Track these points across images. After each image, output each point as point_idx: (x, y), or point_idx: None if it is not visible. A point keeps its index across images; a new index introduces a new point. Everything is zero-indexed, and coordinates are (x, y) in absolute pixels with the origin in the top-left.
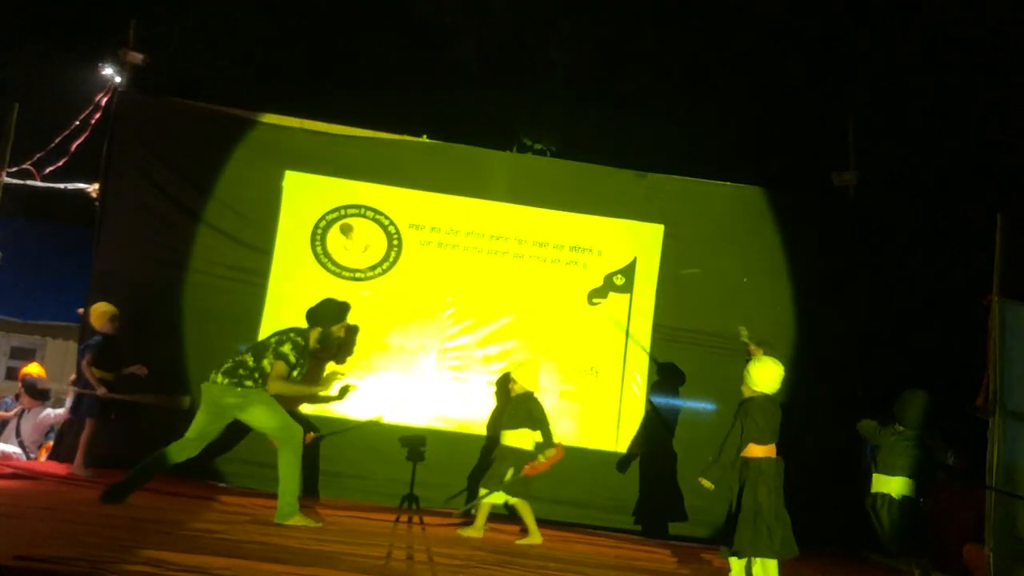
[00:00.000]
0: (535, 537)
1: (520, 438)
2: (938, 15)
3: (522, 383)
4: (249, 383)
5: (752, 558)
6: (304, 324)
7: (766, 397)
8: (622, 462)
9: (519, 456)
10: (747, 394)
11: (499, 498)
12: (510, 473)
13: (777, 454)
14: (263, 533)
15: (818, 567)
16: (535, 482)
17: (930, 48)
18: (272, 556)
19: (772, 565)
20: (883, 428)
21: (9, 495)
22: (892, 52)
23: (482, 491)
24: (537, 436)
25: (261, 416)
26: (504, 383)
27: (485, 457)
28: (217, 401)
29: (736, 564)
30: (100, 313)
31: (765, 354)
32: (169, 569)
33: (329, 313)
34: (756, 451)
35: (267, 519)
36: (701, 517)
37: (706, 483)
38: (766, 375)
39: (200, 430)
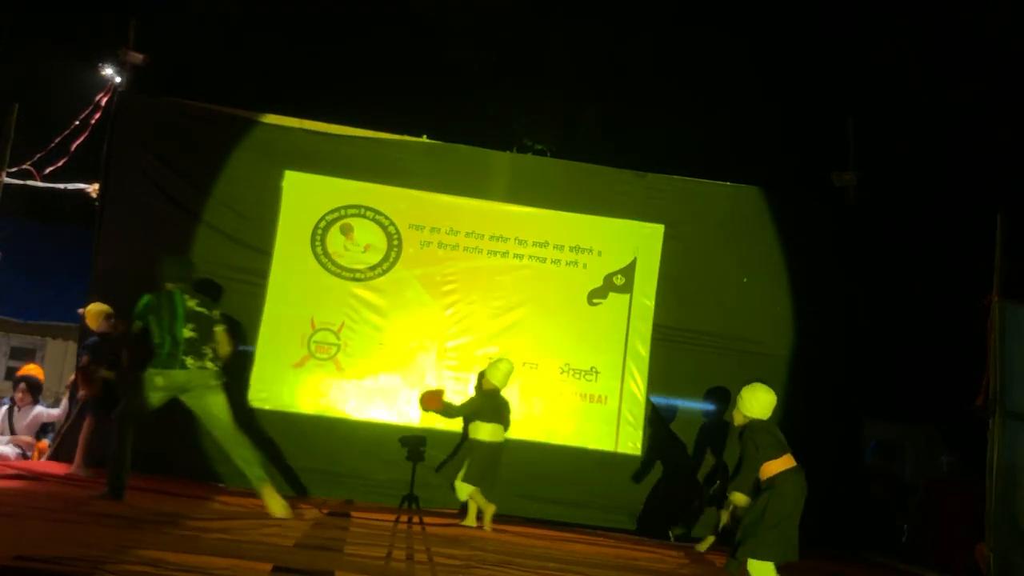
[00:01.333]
0: (473, 520)
1: (498, 433)
2: (938, 15)
3: (491, 379)
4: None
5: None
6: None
7: (761, 422)
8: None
9: (496, 449)
10: (740, 421)
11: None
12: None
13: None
14: (263, 533)
15: (818, 567)
16: (534, 482)
17: (930, 48)
18: (272, 556)
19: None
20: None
21: (9, 495)
22: (892, 52)
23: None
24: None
25: (223, 402)
26: (479, 379)
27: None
28: (199, 383)
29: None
30: (95, 313)
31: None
32: (169, 569)
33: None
34: (774, 468)
35: (267, 519)
36: (701, 517)
37: (739, 499)
38: (759, 402)
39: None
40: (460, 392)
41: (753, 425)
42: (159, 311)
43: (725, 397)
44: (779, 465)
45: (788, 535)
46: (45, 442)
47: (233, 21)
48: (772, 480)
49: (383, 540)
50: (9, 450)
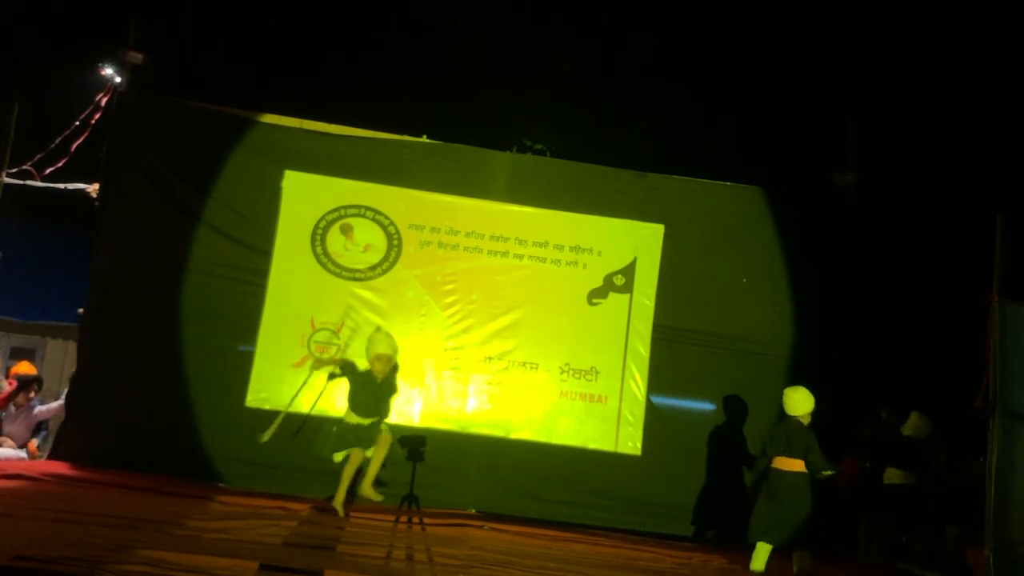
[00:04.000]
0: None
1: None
2: (938, 15)
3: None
4: None
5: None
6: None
7: (789, 419)
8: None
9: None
10: None
11: None
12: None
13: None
14: (263, 533)
15: (818, 567)
16: (534, 482)
17: (930, 48)
18: (272, 556)
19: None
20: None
21: (9, 495)
22: (892, 52)
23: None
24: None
25: None
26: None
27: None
28: None
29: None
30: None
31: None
32: (169, 569)
33: None
34: (777, 463)
35: (267, 519)
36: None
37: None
38: (786, 400)
39: None
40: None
41: (777, 424)
42: None
43: (725, 397)
44: (781, 464)
45: (775, 523)
46: (34, 443)
47: (233, 21)
48: (770, 474)
49: (383, 540)
50: (14, 453)
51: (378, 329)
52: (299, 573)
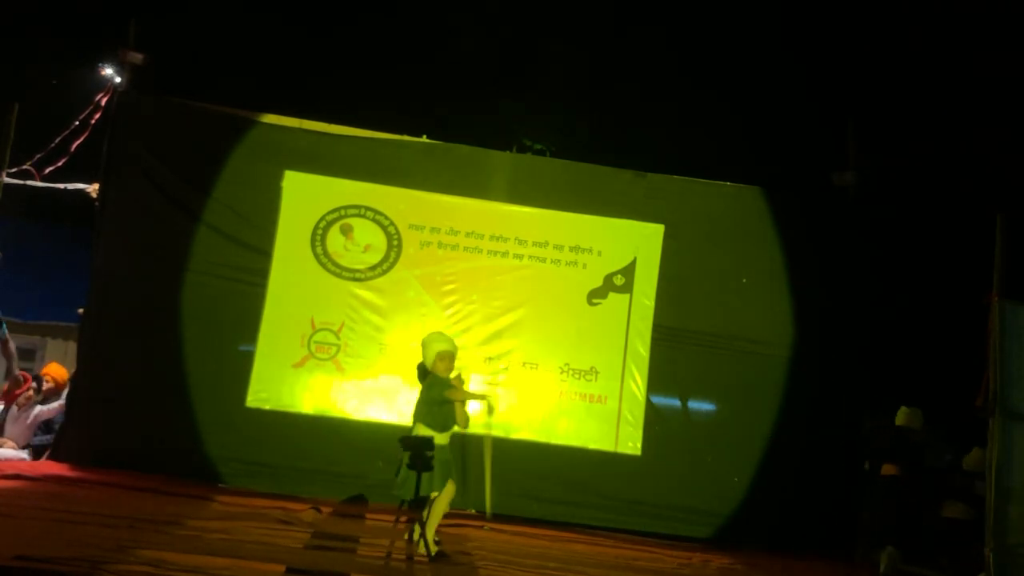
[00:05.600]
0: None
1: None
2: (938, 15)
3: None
4: None
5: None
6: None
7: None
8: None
9: None
10: None
11: None
12: None
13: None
14: (263, 533)
15: (817, 567)
16: (534, 482)
17: (930, 48)
18: (272, 556)
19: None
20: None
21: (9, 495)
22: (892, 52)
23: None
24: None
25: None
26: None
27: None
28: None
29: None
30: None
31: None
32: (169, 569)
33: None
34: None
35: (267, 519)
36: (701, 517)
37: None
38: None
39: None
40: None
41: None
42: None
43: (725, 397)
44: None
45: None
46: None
47: (233, 21)
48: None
49: (383, 540)
50: (14, 454)
51: (436, 333)
52: (299, 573)
